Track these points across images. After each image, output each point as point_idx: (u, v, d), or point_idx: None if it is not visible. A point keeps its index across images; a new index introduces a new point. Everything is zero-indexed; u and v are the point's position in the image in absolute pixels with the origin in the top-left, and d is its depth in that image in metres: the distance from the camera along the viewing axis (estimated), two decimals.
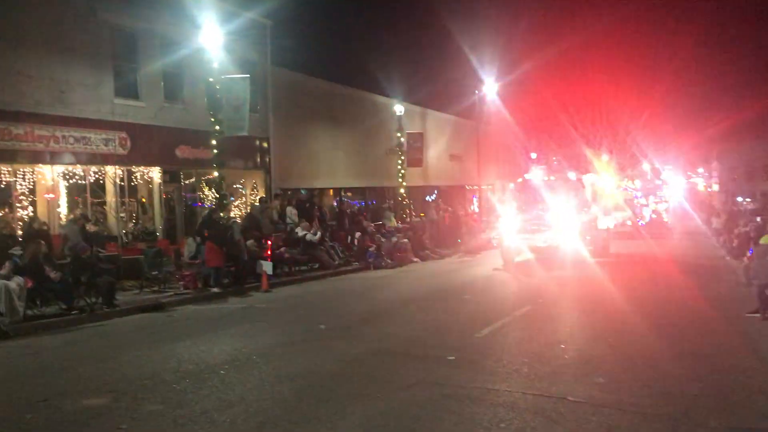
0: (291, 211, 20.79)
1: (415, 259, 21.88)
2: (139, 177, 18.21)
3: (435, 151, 34.14)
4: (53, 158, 15.66)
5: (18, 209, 15.18)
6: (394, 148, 29.34)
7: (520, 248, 19.38)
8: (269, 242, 17.09)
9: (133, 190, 18.27)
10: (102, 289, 12.64)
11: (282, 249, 17.68)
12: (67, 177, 16.37)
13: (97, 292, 12.65)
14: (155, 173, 18.66)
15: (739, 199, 56.64)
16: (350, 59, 35.86)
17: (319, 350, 9.18)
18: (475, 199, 37.30)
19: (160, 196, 18.89)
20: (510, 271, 18.45)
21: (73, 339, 10.60)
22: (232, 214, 19.76)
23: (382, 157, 29.61)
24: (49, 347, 9.99)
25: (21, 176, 15.27)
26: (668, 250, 24.67)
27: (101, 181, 17.26)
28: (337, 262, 19.38)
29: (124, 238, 17.46)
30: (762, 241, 12.05)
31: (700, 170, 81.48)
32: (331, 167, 26.34)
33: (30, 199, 15.48)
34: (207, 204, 19.64)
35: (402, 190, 29.43)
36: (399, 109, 28.59)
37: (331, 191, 27.86)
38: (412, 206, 31.68)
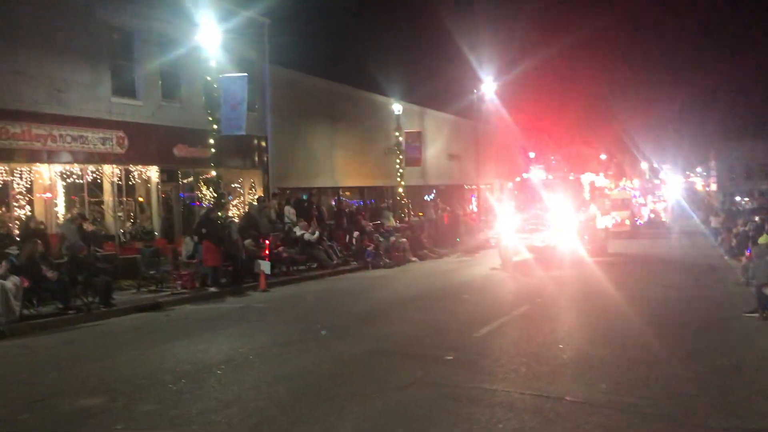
0: (289, 211, 20.77)
1: (414, 259, 21.87)
2: (136, 176, 18.19)
3: (433, 151, 34.11)
4: (50, 157, 15.62)
5: (15, 208, 15.13)
6: (392, 148, 29.30)
7: (519, 248, 19.32)
8: (267, 242, 17.07)
9: (130, 190, 18.24)
10: (99, 289, 12.61)
11: (280, 248, 17.65)
12: (65, 176, 16.33)
13: (94, 292, 12.61)
14: (153, 172, 18.63)
15: (738, 198, 56.78)
16: (349, 58, 35.91)
17: (316, 350, 9.15)
18: (473, 199, 37.27)
19: (158, 196, 18.86)
20: (508, 270, 18.43)
21: (70, 338, 10.57)
22: (230, 214, 19.74)
23: (380, 157, 29.58)
24: (46, 347, 9.96)
25: (18, 175, 15.23)
26: (666, 249, 24.67)
27: (99, 181, 17.22)
28: (335, 262, 19.34)
29: (122, 237, 17.42)
30: (760, 240, 12.07)
31: (699, 169, 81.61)
32: (329, 166, 26.33)
33: (27, 199, 15.44)
34: (205, 203, 19.60)
35: (400, 190, 29.41)
36: (397, 108, 28.56)
37: (330, 190, 27.86)
38: (410, 206, 31.68)
